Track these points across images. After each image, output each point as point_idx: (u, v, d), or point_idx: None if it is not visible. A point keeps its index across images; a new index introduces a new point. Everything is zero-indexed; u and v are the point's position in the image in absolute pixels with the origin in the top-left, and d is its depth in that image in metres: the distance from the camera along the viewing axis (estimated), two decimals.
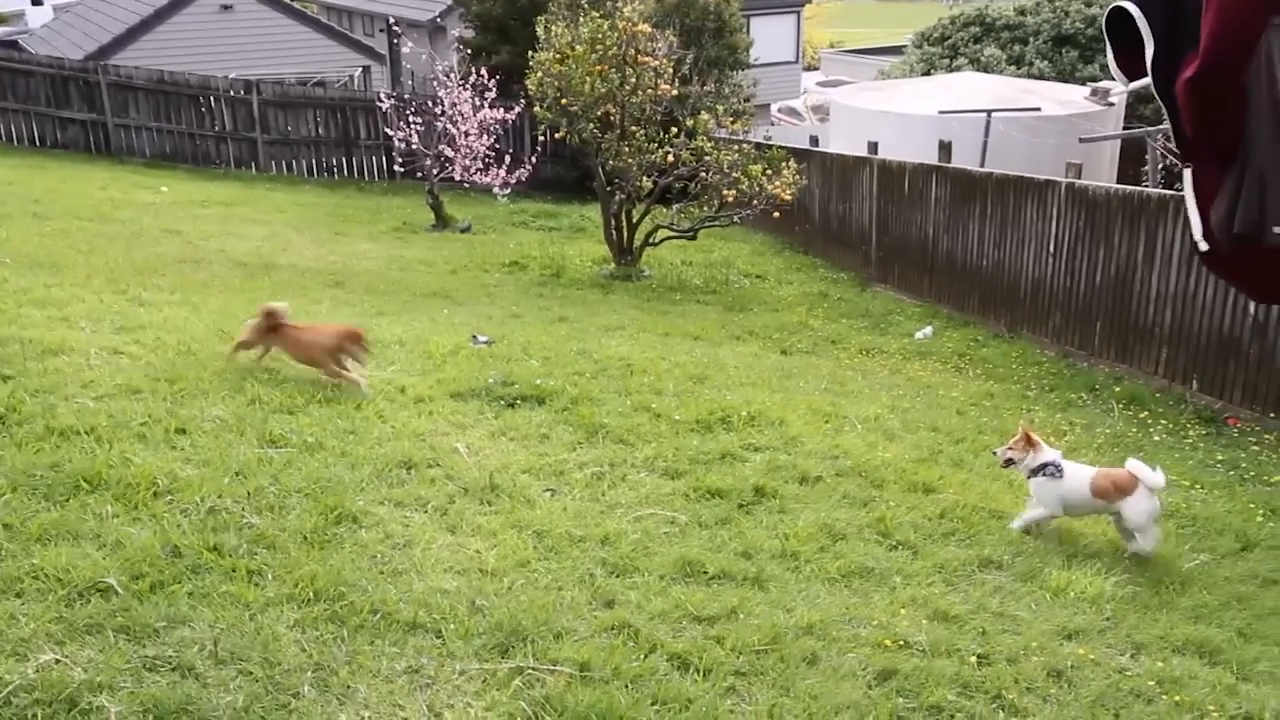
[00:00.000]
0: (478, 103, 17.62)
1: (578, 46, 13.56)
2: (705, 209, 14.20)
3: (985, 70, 25.12)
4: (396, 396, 6.45)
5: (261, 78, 21.93)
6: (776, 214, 13.87)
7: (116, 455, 4.76)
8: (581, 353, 8.29)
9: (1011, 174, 12.08)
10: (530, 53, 14.48)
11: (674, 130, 13.78)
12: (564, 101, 13.72)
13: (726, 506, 5.49)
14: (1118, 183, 13.38)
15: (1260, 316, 8.39)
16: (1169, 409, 8.90)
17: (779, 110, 31.92)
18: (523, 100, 16.27)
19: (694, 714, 3.56)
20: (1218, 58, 2.26)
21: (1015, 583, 5.00)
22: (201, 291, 9.38)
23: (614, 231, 14.46)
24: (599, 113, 13.70)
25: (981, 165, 15.01)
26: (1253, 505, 6.56)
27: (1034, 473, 5.65)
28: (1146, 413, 8.79)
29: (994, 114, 17.04)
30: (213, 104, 21.11)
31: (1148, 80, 2.51)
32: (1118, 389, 9.45)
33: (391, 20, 23.24)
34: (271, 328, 6.48)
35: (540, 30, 14.43)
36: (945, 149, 13.77)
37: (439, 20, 31.22)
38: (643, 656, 3.88)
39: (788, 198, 13.64)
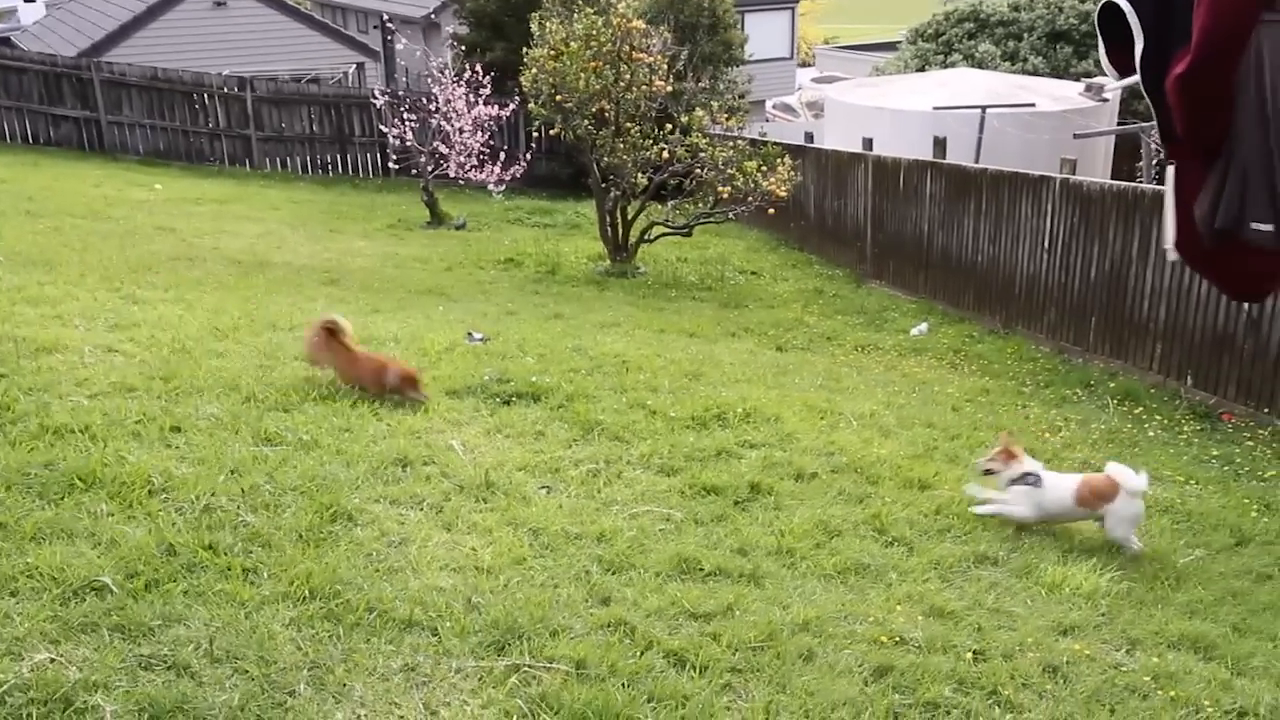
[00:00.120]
0: (472, 99, 17.59)
1: (572, 43, 13.54)
2: (700, 205, 14.20)
3: (980, 66, 25.12)
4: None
5: (255, 74, 21.89)
6: (771, 210, 13.87)
7: (111, 453, 4.75)
8: (577, 350, 8.29)
9: (1006, 170, 12.08)
10: (524, 49, 14.46)
11: (669, 127, 13.77)
12: (559, 98, 13.70)
13: (722, 503, 5.49)
14: (1112, 178, 13.40)
15: (1254, 312, 8.41)
16: (1164, 404, 8.92)
17: (774, 107, 31.91)
18: (517, 97, 16.24)
19: (690, 711, 3.56)
20: (1209, 53, 2.26)
21: (1011, 578, 5.01)
22: (196, 289, 9.36)
23: (609, 228, 14.45)
24: (594, 109, 13.68)
25: (976, 161, 15.02)
26: (1247, 500, 6.58)
27: (1013, 483, 5.66)
28: (1141, 408, 8.80)
29: (989, 110, 17.05)
30: (206, 101, 21.06)
31: (1137, 76, 2.52)
32: (1113, 385, 9.46)
33: (385, 17, 23.20)
34: (329, 339, 6.39)
35: (534, 26, 14.41)
36: (940, 145, 13.77)
37: (433, 16, 31.18)
38: (639, 654, 3.88)
39: (783, 194, 13.64)
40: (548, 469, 5.64)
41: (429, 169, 17.52)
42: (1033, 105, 17.75)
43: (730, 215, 14.33)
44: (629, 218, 14.42)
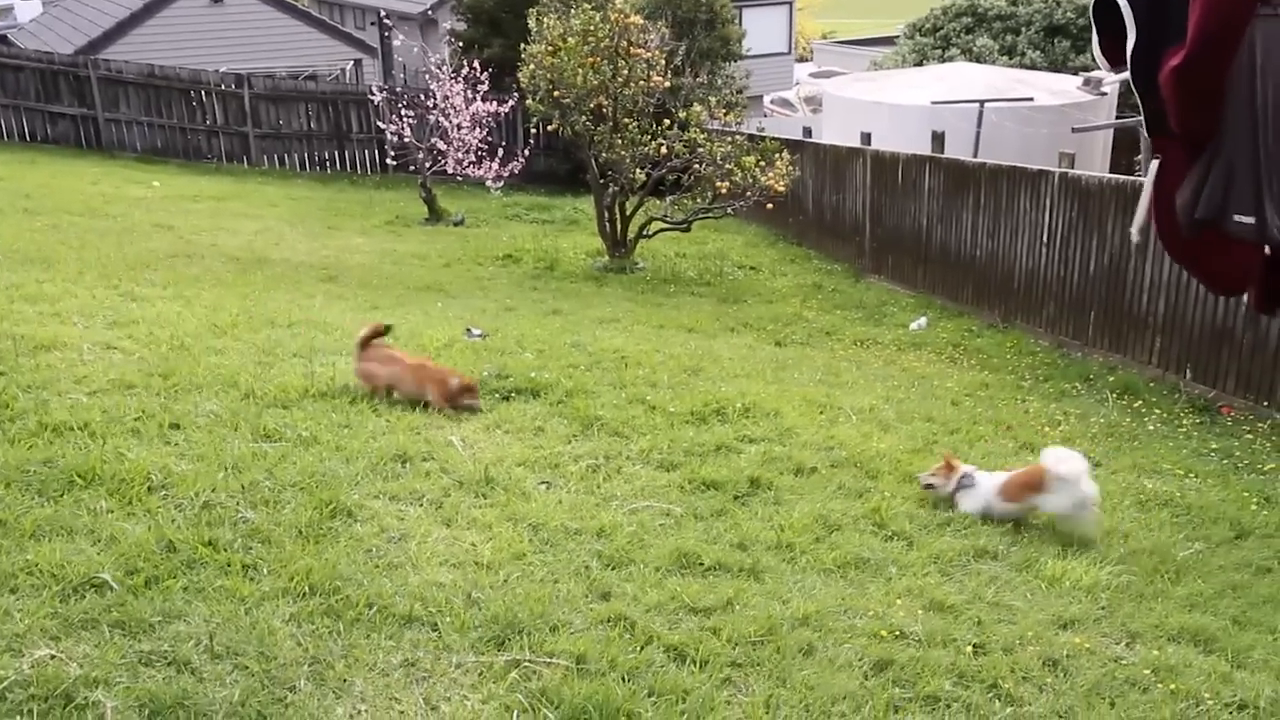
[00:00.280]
0: (470, 95, 17.57)
1: (570, 39, 13.52)
2: (699, 201, 14.19)
3: (978, 61, 25.12)
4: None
5: (252, 71, 21.86)
6: (770, 205, 13.86)
7: (110, 450, 4.74)
8: (576, 345, 8.29)
9: (1005, 164, 12.08)
10: (522, 45, 14.44)
11: (667, 122, 13.75)
12: (556, 94, 13.68)
13: (722, 498, 5.49)
14: (1111, 172, 13.39)
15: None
16: (1163, 398, 8.92)
17: (771, 102, 31.87)
18: (515, 93, 16.22)
19: (691, 705, 3.56)
20: (1206, 46, 2.26)
21: (1011, 572, 5.01)
22: (194, 286, 9.35)
23: (607, 224, 14.44)
24: (591, 105, 13.66)
25: (975, 155, 15.02)
26: (1246, 494, 6.58)
27: (955, 490, 5.68)
28: (1141, 402, 8.80)
29: (987, 104, 17.05)
30: (204, 98, 21.03)
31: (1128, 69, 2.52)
32: (1112, 378, 9.46)
33: (383, 13, 23.17)
34: (377, 350, 6.37)
35: (532, 23, 14.39)
36: (938, 139, 13.76)
37: (430, 13, 31.13)
38: (639, 648, 3.88)
39: (781, 189, 13.63)
40: (547, 464, 5.64)
41: (427, 165, 17.50)
42: (1031, 99, 17.76)
43: (729, 210, 14.32)
44: (627, 213, 14.41)
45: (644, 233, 14.49)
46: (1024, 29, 26.51)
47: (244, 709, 3.20)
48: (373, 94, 19.71)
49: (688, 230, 14.78)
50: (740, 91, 23.26)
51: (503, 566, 4.39)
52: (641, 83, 13.72)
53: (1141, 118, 2.53)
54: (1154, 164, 2.62)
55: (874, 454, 6.41)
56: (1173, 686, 4.01)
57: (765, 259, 15.84)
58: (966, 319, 12.02)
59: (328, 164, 21.96)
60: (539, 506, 5.04)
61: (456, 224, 17.25)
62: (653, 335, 9.71)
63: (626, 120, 13.66)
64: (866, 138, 15.29)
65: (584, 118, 13.68)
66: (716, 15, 23.14)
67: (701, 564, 4.68)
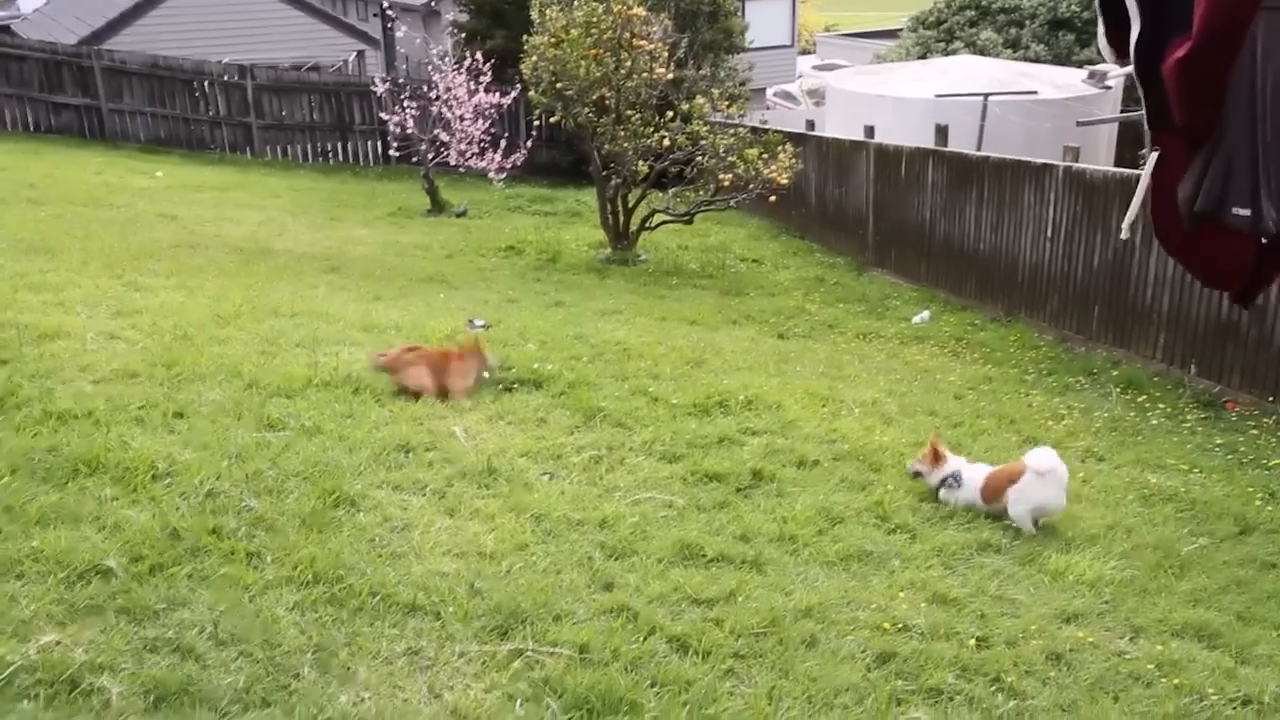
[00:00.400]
0: (473, 87, 17.53)
1: (573, 30, 13.49)
2: (701, 193, 14.15)
3: (981, 54, 25.07)
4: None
5: (255, 62, 21.81)
6: (773, 198, 13.83)
7: (115, 439, 4.75)
8: (578, 337, 8.29)
9: (1009, 158, 12.04)
10: (525, 37, 14.41)
11: (669, 114, 13.72)
12: (559, 85, 13.65)
13: (724, 490, 5.50)
14: (1116, 166, 13.36)
15: (1259, 300, 8.38)
16: (1167, 393, 8.91)
17: (774, 94, 31.83)
18: (518, 84, 16.19)
19: (693, 696, 3.57)
20: (1213, 38, 2.25)
21: (1014, 566, 5.01)
22: (198, 276, 9.35)
23: (610, 216, 14.42)
24: (594, 97, 13.63)
25: (978, 149, 14.98)
26: (1251, 489, 6.57)
27: (939, 485, 5.72)
28: (1145, 396, 8.79)
29: (990, 97, 17.00)
30: (207, 89, 21.00)
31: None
32: (1115, 373, 9.45)
33: (386, 4, 23.08)
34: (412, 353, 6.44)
35: (535, 14, 14.35)
36: (942, 133, 13.73)
37: (433, 4, 31.09)
38: (642, 639, 3.89)
39: (784, 182, 13.60)
40: (550, 455, 5.64)
41: (429, 157, 17.48)
42: (1035, 93, 17.71)
43: (731, 203, 14.30)
44: (630, 205, 14.38)
45: (646, 225, 14.47)
46: (1028, 22, 26.48)
47: (248, 696, 3.21)
48: (375, 85, 19.67)
49: (690, 223, 14.77)
50: (743, 84, 23.23)
51: (506, 556, 4.40)
52: (644, 75, 13.68)
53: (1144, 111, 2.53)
54: (1152, 157, 2.61)
55: (876, 447, 6.41)
56: (1176, 681, 4.01)
57: (768, 252, 15.82)
58: (969, 313, 12.01)
59: (330, 155, 21.94)
60: (542, 497, 5.04)
61: (459, 215, 17.23)
62: (655, 327, 9.70)
63: (629, 112, 13.63)
64: (870, 131, 15.26)
65: (587, 109, 13.66)
66: (719, 7, 23.08)
67: (704, 555, 4.69)
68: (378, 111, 20.18)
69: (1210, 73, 2.31)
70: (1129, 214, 2.74)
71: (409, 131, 17.52)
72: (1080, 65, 21.93)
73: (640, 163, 13.61)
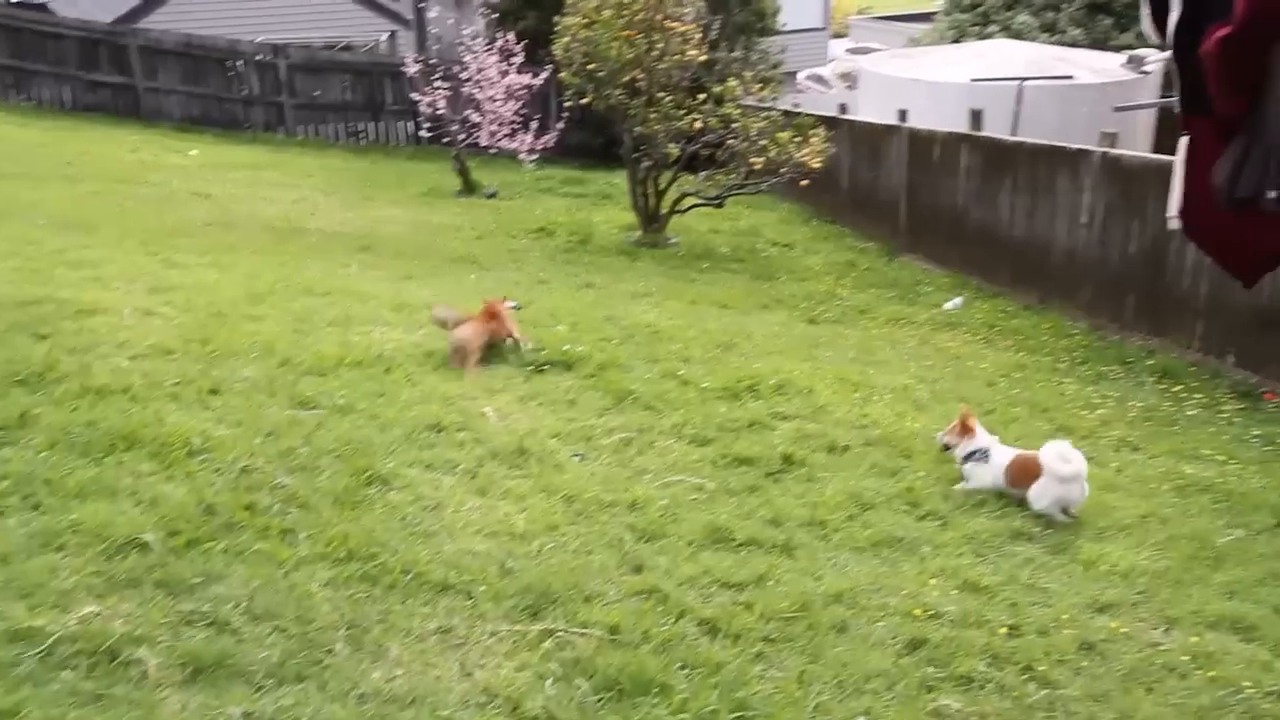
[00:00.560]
0: (504, 68, 17.51)
1: (605, 11, 13.42)
2: (732, 176, 14.07)
3: (1017, 37, 24.74)
4: (425, 360, 6.47)
5: (288, 42, 21.88)
6: (804, 182, 13.72)
7: (151, 414, 4.80)
8: (609, 319, 8.28)
9: (1044, 143, 11.90)
10: (556, 17, 14.36)
11: (701, 97, 13.64)
12: (591, 67, 13.60)
13: (754, 474, 5.49)
14: (1154, 153, 13.18)
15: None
16: (1204, 383, 8.79)
17: (806, 78, 31.58)
18: (549, 66, 16.15)
19: (723, 678, 3.57)
20: (1253, 25, 2.21)
21: (1046, 555, 4.97)
22: (231, 254, 9.42)
23: (641, 198, 14.38)
24: (626, 79, 13.57)
25: (1013, 134, 14.81)
26: None
27: (966, 458, 5.69)
28: (1181, 386, 8.68)
29: (1026, 82, 16.79)
30: (240, 68, 21.10)
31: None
32: (1151, 362, 9.34)
33: None
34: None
35: None
36: (976, 117, 13.58)
37: None
38: (672, 621, 3.90)
39: (816, 166, 13.49)
40: (580, 437, 5.65)
41: (460, 138, 17.49)
42: (1071, 78, 17.48)
43: (763, 187, 14.20)
44: (661, 188, 14.33)
45: (677, 208, 14.41)
46: (1065, 5, 26.09)
47: (283, 670, 3.24)
48: (407, 65, 19.67)
49: (721, 206, 14.69)
50: (775, 67, 23.04)
51: (536, 537, 4.41)
52: (676, 57, 13.61)
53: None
54: (1183, 142, 2.58)
55: (908, 433, 6.38)
56: (1212, 674, 3.98)
57: (799, 236, 15.73)
58: (1002, 300, 11.89)
59: (362, 135, 22.01)
60: (572, 478, 5.05)
61: (489, 196, 17.24)
62: (686, 310, 9.68)
63: (661, 94, 13.56)
64: (903, 115, 15.11)
65: (618, 91, 13.60)
66: None
67: (734, 539, 4.69)
68: (409, 92, 20.18)
69: (1249, 58, 2.27)
70: (1172, 202, 2.70)
71: (440, 112, 17.52)
72: (1118, 50, 21.61)
73: (671, 145, 13.55)
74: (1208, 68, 2.33)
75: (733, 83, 13.95)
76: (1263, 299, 8.69)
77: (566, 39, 13.79)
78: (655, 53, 13.48)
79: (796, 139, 13.45)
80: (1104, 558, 4.94)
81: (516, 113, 17.74)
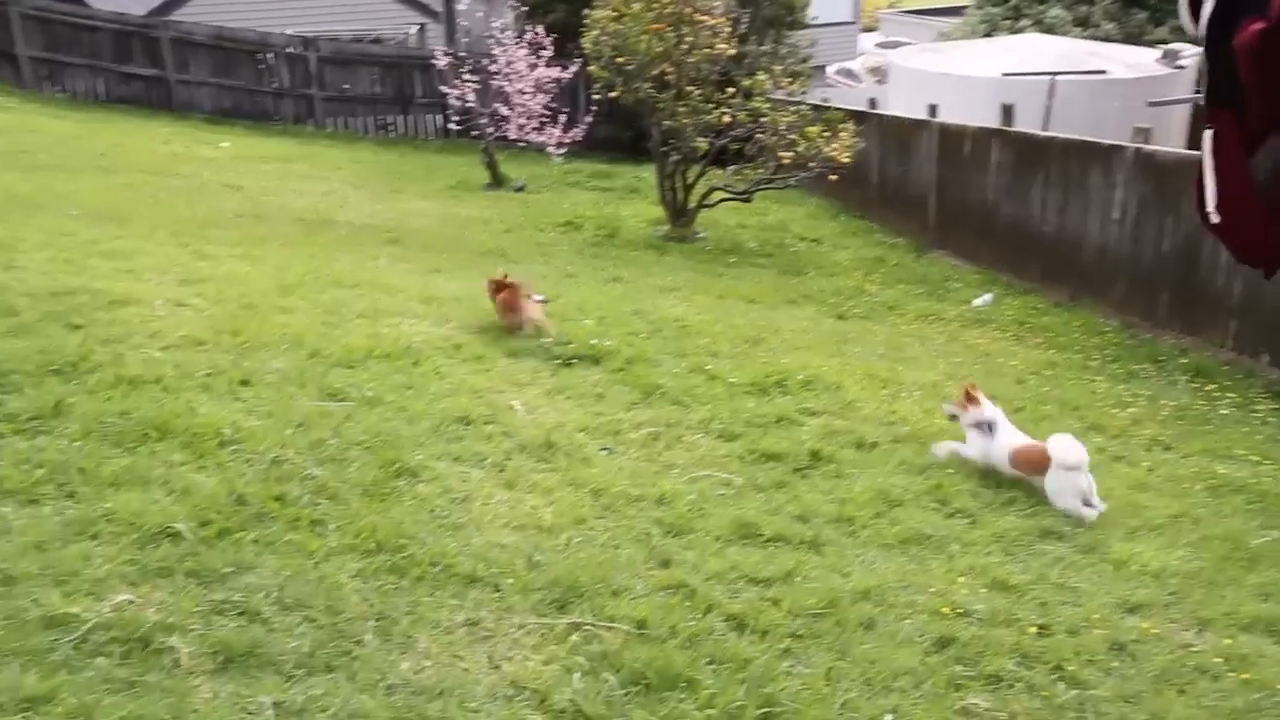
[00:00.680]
0: (533, 61, 17.52)
1: (634, 4, 13.41)
2: (761, 171, 14.02)
3: (1049, 32, 24.50)
4: (453, 353, 6.49)
5: (318, 35, 21.98)
6: (833, 177, 13.65)
7: (183, 405, 4.84)
8: (636, 313, 8.28)
9: (1076, 138, 11.79)
10: (585, 10, 14.35)
11: (730, 91, 13.60)
12: (619, 60, 13.58)
13: (782, 470, 5.48)
14: (1189, 148, 13.01)
15: None
16: (1238, 382, 8.69)
17: (836, 72, 31.42)
18: (578, 59, 16.14)
19: (751, 674, 3.56)
20: None
21: (1076, 554, 4.93)
22: (262, 246, 9.48)
23: (669, 193, 14.36)
24: (655, 72, 13.54)
25: (1045, 129, 14.68)
26: None
27: (972, 426, 5.78)
28: (1214, 385, 8.58)
29: (1058, 77, 16.63)
30: (271, 60, 21.22)
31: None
32: (1184, 361, 9.24)
33: None
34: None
35: None
36: (1007, 112, 13.47)
37: None
38: (699, 616, 3.89)
39: (845, 160, 13.42)
40: (608, 431, 5.65)
41: (489, 131, 17.52)
42: (1104, 72, 17.30)
43: (791, 181, 14.14)
44: (689, 182, 14.30)
45: (705, 202, 14.39)
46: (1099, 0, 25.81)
47: (312, 660, 3.27)
48: (436, 58, 19.71)
49: (749, 201, 14.65)
50: (804, 61, 22.93)
51: (564, 530, 4.42)
52: (705, 50, 13.57)
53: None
54: (1207, 135, 2.54)
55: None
56: (1245, 676, 3.93)
57: (827, 231, 15.67)
58: (1032, 297, 11.80)
59: (391, 128, 22.09)
60: (600, 472, 5.06)
61: (518, 190, 17.27)
62: (713, 305, 9.67)
63: (690, 88, 13.53)
64: (933, 109, 15.02)
65: (647, 85, 13.58)
66: None
67: (762, 535, 4.68)
68: (438, 85, 20.23)
69: None
70: (1209, 196, 2.66)
71: (469, 105, 17.56)
72: (1153, 44, 21.35)
73: (700, 139, 13.51)
74: (1241, 61, 2.30)
75: (762, 77, 13.91)
76: None
77: (596, 32, 13.78)
78: (684, 46, 13.45)
79: (825, 133, 13.39)
80: (1135, 558, 4.89)
81: (545, 106, 17.74)
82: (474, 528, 4.31)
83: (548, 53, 17.58)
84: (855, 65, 32.34)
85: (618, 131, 21.16)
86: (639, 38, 13.23)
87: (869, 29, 41.74)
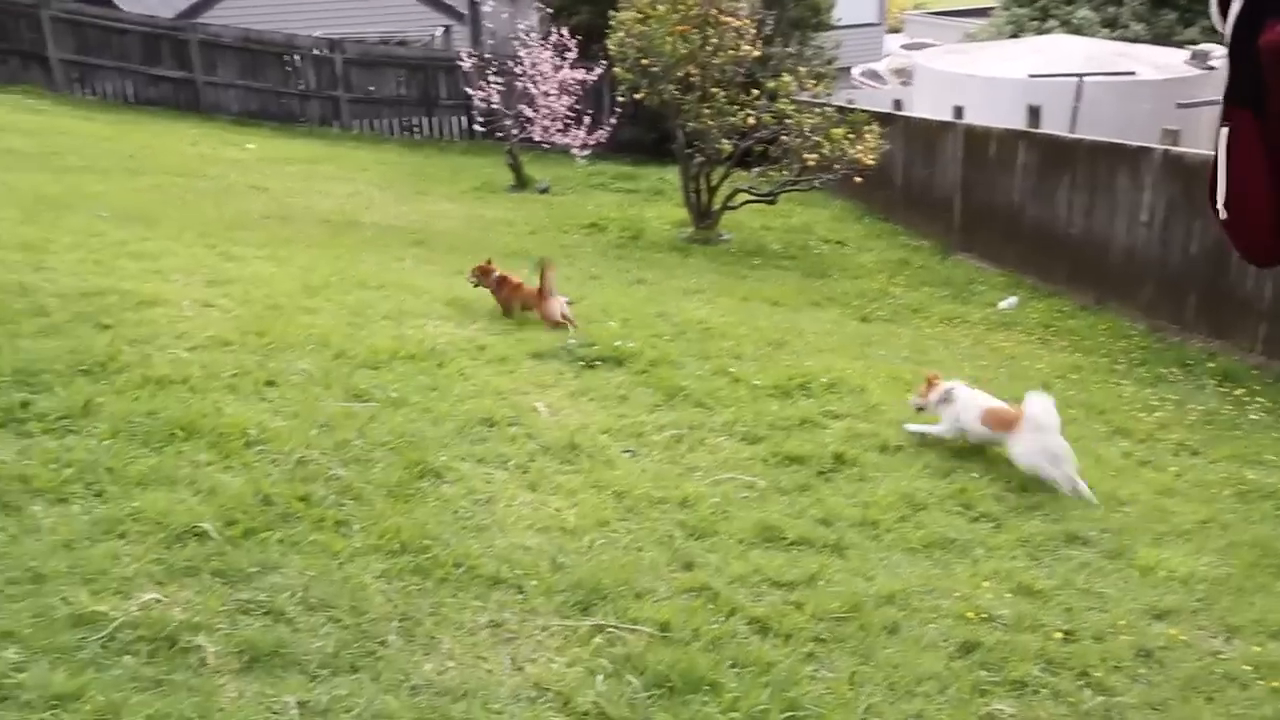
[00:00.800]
0: (558, 62, 17.55)
1: (659, 6, 13.41)
2: (785, 173, 13.99)
3: (1077, 32, 24.34)
4: (477, 354, 6.52)
5: (344, 36, 22.12)
6: (858, 179, 13.61)
7: (210, 405, 4.87)
8: (660, 315, 8.28)
9: (1103, 140, 11.70)
10: (610, 12, 14.36)
11: (755, 92, 13.58)
12: (645, 62, 13.59)
13: (806, 473, 5.46)
14: None
15: None
16: (1267, 387, 8.59)
17: (861, 74, 31.30)
18: (602, 61, 16.17)
19: (774, 678, 3.55)
20: None
21: (1102, 559, 4.89)
22: (287, 247, 9.54)
23: (693, 194, 14.35)
24: (680, 74, 13.54)
25: (1071, 131, 14.57)
26: None
27: (939, 403, 6.02)
28: (1243, 390, 8.49)
29: (1085, 78, 16.52)
30: (297, 62, 21.37)
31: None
32: (1212, 365, 9.14)
33: None
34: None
35: None
36: (1034, 114, 13.39)
37: None
38: (723, 619, 3.89)
39: (870, 162, 13.37)
40: (631, 433, 5.65)
41: (514, 132, 17.57)
42: (1133, 74, 17.17)
43: (816, 183, 14.11)
44: (713, 184, 14.29)
45: (729, 204, 14.37)
46: (1127, 0, 25.61)
47: (337, 660, 3.28)
48: (462, 60, 19.79)
49: (773, 203, 14.62)
50: (829, 62, 22.86)
51: (587, 532, 4.42)
52: (730, 52, 13.56)
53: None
54: (1223, 133, 2.52)
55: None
56: (1275, 684, 3.89)
57: (851, 233, 15.61)
58: (1058, 299, 11.72)
59: (416, 129, 22.20)
60: (623, 474, 5.06)
61: (542, 191, 17.31)
62: (737, 307, 9.65)
63: (714, 90, 13.52)
64: (958, 111, 14.94)
65: (672, 86, 13.58)
66: None
67: (785, 538, 4.67)
68: (463, 86, 20.32)
69: None
70: (1220, 192, 2.64)
71: (494, 107, 17.61)
72: (1182, 45, 21.16)
73: (724, 141, 13.50)
74: (1264, 61, 2.28)
75: (787, 78, 13.87)
76: None
77: (620, 34, 13.79)
78: (709, 48, 13.45)
79: (850, 135, 13.35)
80: (1162, 563, 4.85)
81: (570, 108, 17.78)
82: (497, 529, 4.32)
83: (572, 54, 17.62)
84: (880, 67, 32.21)
85: (642, 133, 21.17)
86: (664, 39, 13.23)
87: (894, 30, 41.59)
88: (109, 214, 9.55)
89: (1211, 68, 17.28)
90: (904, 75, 28.91)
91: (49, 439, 4.28)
